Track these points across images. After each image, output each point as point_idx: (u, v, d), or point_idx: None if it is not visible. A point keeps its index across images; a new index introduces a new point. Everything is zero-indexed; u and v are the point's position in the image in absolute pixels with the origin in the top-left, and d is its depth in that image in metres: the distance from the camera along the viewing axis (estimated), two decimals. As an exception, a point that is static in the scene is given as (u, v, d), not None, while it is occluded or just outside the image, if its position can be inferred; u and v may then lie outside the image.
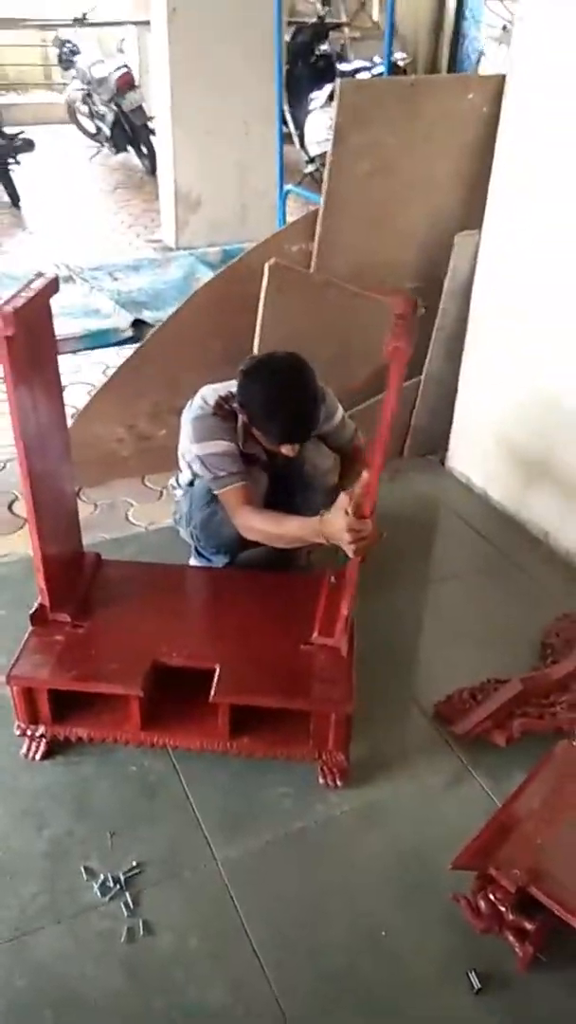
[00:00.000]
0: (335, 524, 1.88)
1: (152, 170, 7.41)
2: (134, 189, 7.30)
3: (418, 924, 1.68)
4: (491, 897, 1.62)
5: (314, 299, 2.63)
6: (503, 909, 1.60)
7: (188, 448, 2.25)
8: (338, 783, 1.94)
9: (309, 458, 2.27)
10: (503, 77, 2.56)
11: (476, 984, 1.56)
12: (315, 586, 2.18)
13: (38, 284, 1.80)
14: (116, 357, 3.90)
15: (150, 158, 7.42)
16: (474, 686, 2.17)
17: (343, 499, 1.90)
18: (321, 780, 1.94)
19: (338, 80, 2.48)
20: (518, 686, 2.08)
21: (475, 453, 3.05)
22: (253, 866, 1.78)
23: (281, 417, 2.07)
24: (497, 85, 2.57)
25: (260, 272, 2.61)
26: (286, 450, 2.13)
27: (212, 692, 1.87)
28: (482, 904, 1.63)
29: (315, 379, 2.11)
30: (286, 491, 2.37)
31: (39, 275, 1.87)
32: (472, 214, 2.75)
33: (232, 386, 2.19)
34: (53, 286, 1.86)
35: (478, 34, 9.42)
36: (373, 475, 1.81)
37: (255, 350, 2.67)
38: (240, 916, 1.68)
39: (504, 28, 8.52)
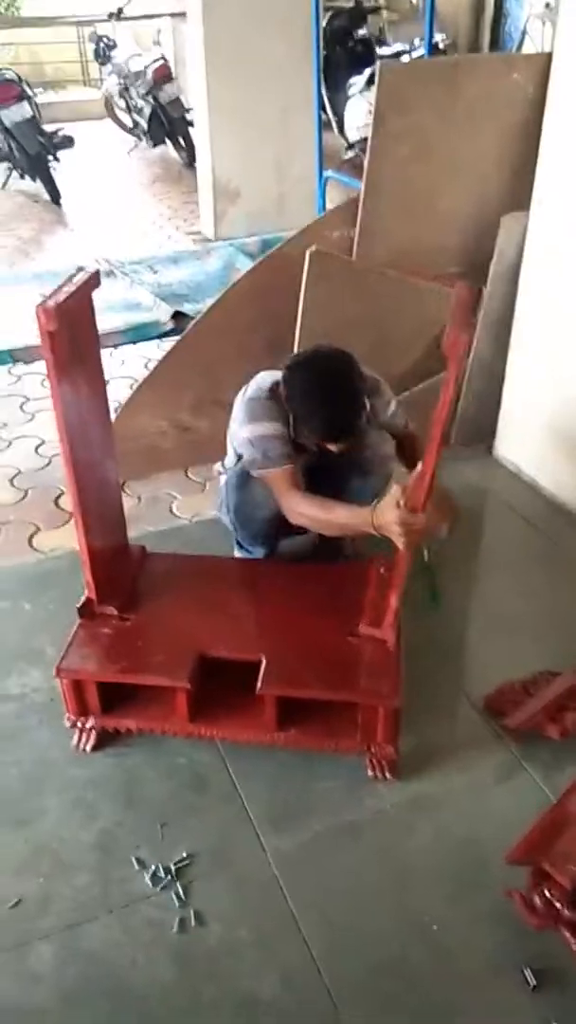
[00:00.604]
0: (387, 516, 1.85)
1: (190, 162, 7.41)
2: (172, 182, 7.31)
3: (469, 918, 1.66)
4: (546, 893, 1.59)
5: (355, 286, 2.60)
6: (559, 905, 1.57)
7: (237, 431, 2.22)
8: (387, 775, 1.92)
9: (371, 444, 2.24)
10: (549, 56, 2.49)
11: (532, 981, 1.53)
12: (362, 576, 2.16)
13: (79, 279, 1.81)
14: (157, 350, 3.92)
15: (188, 150, 7.42)
16: (525, 678, 2.13)
17: (396, 490, 1.87)
18: (370, 772, 1.93)
19: (378, 63, 2.44)
20: (572, 678, 2.04)
21: (524, 441, 3.00)
22: (303, 858, 1.77)
23: (320, 416, 2.05)
24: (543, 64, 2.50)
25: (300, 260, 2.59)
26: (331, 447, 2.11)
27: (259, 684, 1.86)
28: (537, 900, 1.60)
29: (358, 378, 2.07)
30: (341, 476, 2.33)
31: (80, 269, 1.87)
32: (517, 196, 2.69)
33: (263, 385, 2.19)
34: (95, 280, 1.86)
35: (520, 12, 9.22)
36: (427, 469, 1.78)
37: (296, 339, 2.66)
38: (290, 907, 1.68)
39: (547, 5, 8.32)
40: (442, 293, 2.80)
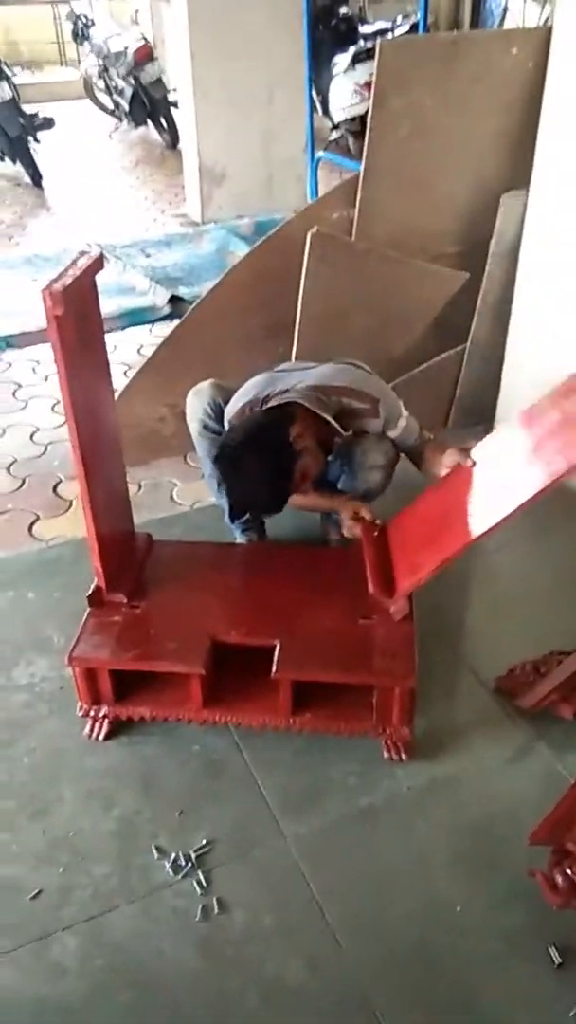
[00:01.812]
0: (348, 509, 2.15)
1: (173, 144, 7.33)
2: (155, 164, 7.22)
3: (491, 899, 1.66)
4: (568, 871, 1.60)
5: (357, 268, 2.58)
6: (581, 883, 1.58)
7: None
8: (403, 757, 1.92)
9: (364, 447, 2.22)
10: (549, 29, 2.47)
11: (557, 959, 1.55)
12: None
13: (83, 262, 1.77)
14: (150, 336, 3.88)
15: (170, 132, 7.34)
16: (536, 658, 2.13)
17: (347, 510, 2.18)
18: (386, 755, 1.93)
19: (378, 40, 2.40)
20: (583, 657, 2.04)
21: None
22: (322, 843, 1.77)
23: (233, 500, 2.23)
24: (542, 38, 2.48)
25: (300, 242, 2.56)
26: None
27: (273, 668, 1.86)
28: (559, 879, 1.60)
29: (268, 463, 1.99)
30: (338, 466, 2.34)
31: (82, 253, 1.84)
32: (518, 174, 2.67)
33: (249, 397, 2.18)
34: (98, 264, 1.83)
35: (501, -12, 9.14)
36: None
37: (297, 322, 2.63)
38: (312, 892, 1.68)
39: (528, -18, 8.27)
40: (442, 273, 2.78)
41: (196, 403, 2.34)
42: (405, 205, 2.66)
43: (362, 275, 2.58)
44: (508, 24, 8.86)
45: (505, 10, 8.93)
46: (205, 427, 2.32)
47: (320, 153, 4.41)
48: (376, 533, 2.12)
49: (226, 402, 2.29)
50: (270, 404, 2.10)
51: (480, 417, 3.16)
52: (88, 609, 2.01)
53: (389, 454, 2.27)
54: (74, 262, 1.76)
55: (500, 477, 2.01)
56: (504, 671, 2.13)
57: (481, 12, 9.46)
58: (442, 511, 2.08)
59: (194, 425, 2.35)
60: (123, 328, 3.37)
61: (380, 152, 2.53)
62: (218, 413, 2.30)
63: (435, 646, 2.17)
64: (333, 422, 2.08)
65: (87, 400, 1.83)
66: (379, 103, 2.45)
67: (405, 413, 2.24)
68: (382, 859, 1.74)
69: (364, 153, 2.53)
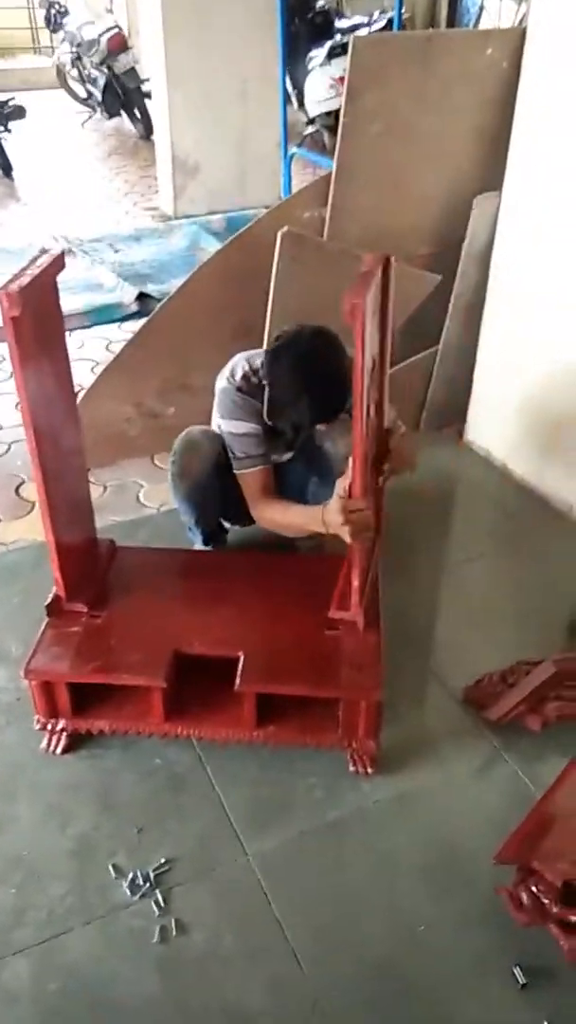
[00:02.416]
0: (331, 509, 1.83)
1: (147, 135, 7.24)
2: (128, 155, 7.12)
3: (457, 917, 1.63)
4: (534, 889, 1.57)
5: (328, 268, 2.53)
6: (547, 902, 1.55)
7: (215, 417, 2.20)
8: (369, 771, 1.88)
9: (333, 438, 2.18)
10: (523, 31, 2.44)
11: (522, 979, 1.52)
12: (335, 567, 2.10)
13: (44, 261, 1.71)
14: (119, 332, 3.81)
15: (144, 122, 7.25)
16: (504, 669, 2.10)
17: (339, 484, 1.85)
18: (351, 768, 1.89)
19: (352, 36, 2.35)
20: (551, 668, 2.01)
21: (495, 426, 2.97)
22: (286, 860, 1.73)
23: (309, 400, 1.99)
24: (517, 39, 2.44)
25: (270, 241, 2.51)
26: (320, 425, 2.08)
27: (237, 681, 1.81)
28: (525, 897, 1.58)
29: (344, 356, 2.01)
30: (305, 471, 2.30)
31: (43, 251, 1.77)
32: (491, 175, 2.64)
33: (263, 353, 2.13)
34: (59, 263, 1.77)
35: (478, -13, 9.12)
36: (356, 453, 1.73)
37: (267, 322, 2.58)
38: (274, 912, 1.64)
39: (504, -20, 8.25)
40: (415, 275, 2.74)
41: (193, 463, 2.22)
42: (377, 204, 2.62)
43: (333, 275, 2.52)
44: (484, 22, 8.85)
45: (481, 8, 8.91)
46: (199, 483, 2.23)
47: (293, 149, 4.34)
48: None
49: (223, 446, 2.20)
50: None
51: (451, 420, 3.14)
52: (46, 619, 1.95)
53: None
54: (34, 260, 1.70)
55: None
56: (472, 681, 2.10)
57: (458, 9, 9.45)
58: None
59: (187, 483, 2.25)
60: (90, 326, 3.30)
61: (352, 150, 2.49)
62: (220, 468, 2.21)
63: (402, 655, 2.14)
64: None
65: (46, 403, 1.77)
66: (352, 100, 2.40)
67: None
68: (347, 876, 1.71)
69: (336, 151, 2.48)
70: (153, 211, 5.63)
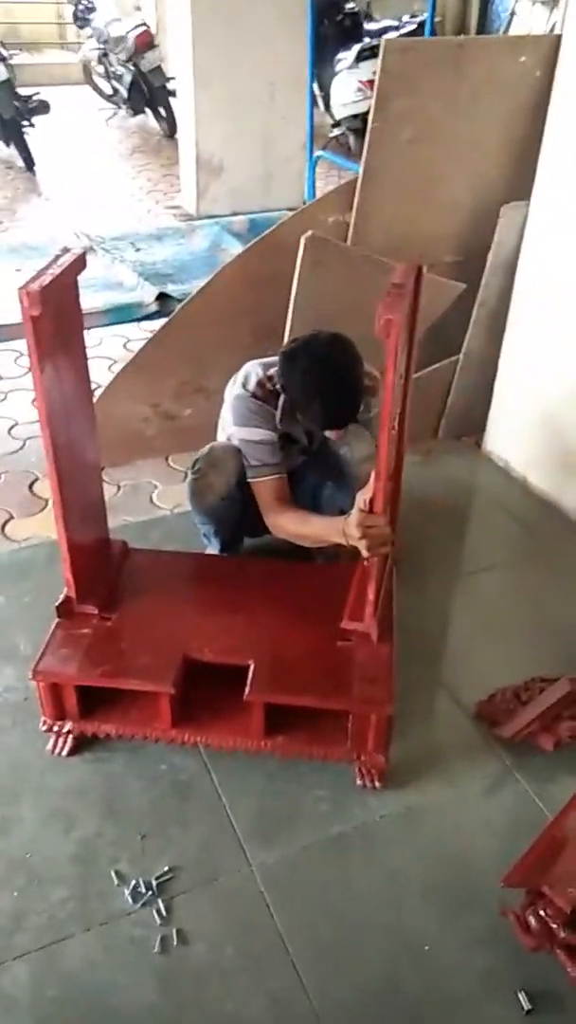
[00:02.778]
0: (352, 523, 1.80)
1: (171, 133, 7.23)
2: (152, 153, 7.12)
3: (462, 938, 1.60)
4: (542, 913, 1.55)
5: (351, 274, 2.50)
6: (555, 926, 1.52)
7: (228, 425, 2.17)
8: (377, 785, 1.86)
9: (349, 442, 2.16)
10: (558, 38, 2.41)
11: (526, 1005, 1.49)
12: (348, 577, 2.08)
13: (65, 260, 1.70)
14: (137, 331, 3.80)
15: (168, 121, 7.24)
16: (518, 685, 2.08)
17: (359, 497, 1.85)
18: (359, 782, 1.86)
19: (383, 39, 2.33)
20: (566, 686, 1.98)
21: (515, 436, 2.93)
22: (290, 873, 1.71)
23: (322, 404, 1.97)
24: (551, 47, 2.41)
25: (293, 245, 2.49)
26: (330, 434, 2.04)
27: (247, 690, 1.79)
28: (532, 921, 1.55)
29: (359, 363, 2.00)
30: (319, 476, 2.28)
31: (65, 250, 1.76)
32: (520, 185, 2.61)
33: (277, 361, 2.10)
34: (80, 262, 1.75)
35: (509, -9, 9.06)
36: (380, 469, 1.71)
37: (287, 328, 2.56)
38: (277, 925, 1.61)
39: (536, -14, 8.20)
40: (439, 283, 2.72)
41: (216, 478, 2.17)
42: (404, 211, 2.59)
43: (356, 281, 2.51)
44: (515, 27, 8.79)
45: (512, 14, 8.87)
46: (223, 498, 2.20)
47: (319, 152, 4.32)
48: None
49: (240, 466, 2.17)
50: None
51: (470, 430, 3.11)
52: (56, 620, 1.94)
53: (371, 443, 2.21)
54: (56, 259, 1.68)
55: None
56: (485, 696, 2.07)
57: (488, 14, 9.41)
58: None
59: (211, 499, 2.21)
60: (108, 324, 3.28)
61: (380, 155, 2.46)
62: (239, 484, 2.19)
63: (414, 666, 2.11)
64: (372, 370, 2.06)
65: (63, 402, 1.76)
66: (381, 105, 2.38)
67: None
68: (351, 891, 1.68)
69: (363, 155, 2.46)
70: (175, 210, 5.62)
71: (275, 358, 2.13)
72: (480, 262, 2.75)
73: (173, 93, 7.04)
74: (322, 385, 1.95)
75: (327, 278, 2.46)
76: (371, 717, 1.79)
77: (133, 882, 1.67)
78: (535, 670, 2.12)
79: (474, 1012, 1.50)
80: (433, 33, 4.27)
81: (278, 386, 2.07)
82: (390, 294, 1.63)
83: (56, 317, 1.64)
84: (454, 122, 2.48)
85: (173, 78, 7.12)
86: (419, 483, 2.21)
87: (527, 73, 2.45)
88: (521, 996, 1.50)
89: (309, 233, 2.39)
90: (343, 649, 1.88)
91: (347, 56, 6.38)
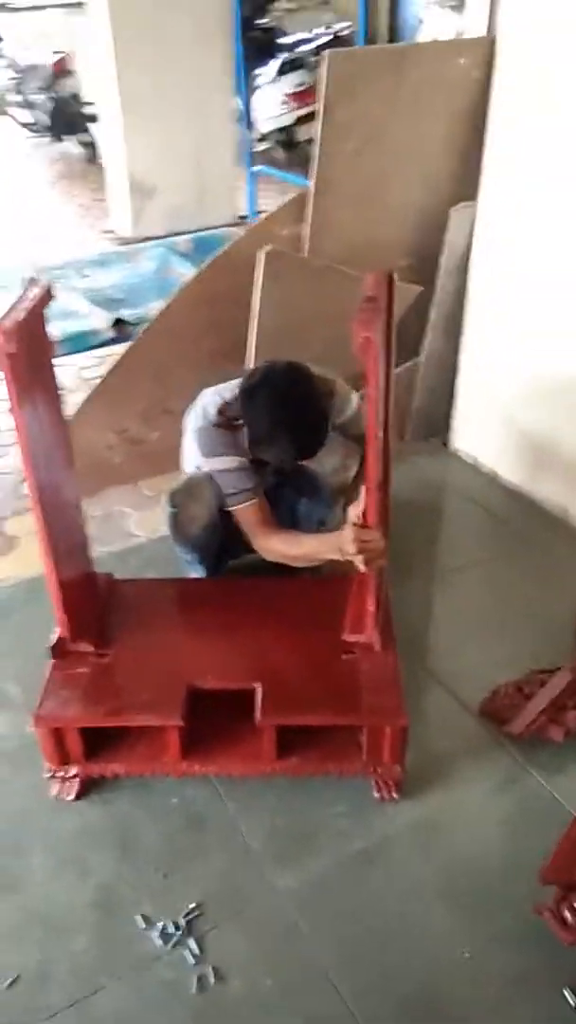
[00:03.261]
0: (346, 538, 1.79)
1: (94, 158, 7.18)
2: (77, 179, 7.05)
3: (499, 940, 1.59)
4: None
5: (311, 285, 2.50)
6: (591, 918, 1.52)
7: (194, 458, 2.12)
8: (394, 796, 1.84)
9: (319, 457, 2.14)
10: (493, 39, 2.44)
11: (574, 1001, 1.48)
12: (342, 590, 2.07)
13: (34, 294, 1.65)
14: (88, 358, 3.72)
15: (91, 146, 7.19)
16: (518, 679, 2.08)
17: (351, 512, 1.86)
18: (376, 794, 1.84)
19: (326, 53, 2.33)
20: (568, 676, 1.99)
21: (481, 433, 2.96)
22: (317, 894, 1.68)
23: (289, 440, 1.95)
24: (487, 49, 2.45)
25: (249, 261, 2.47)
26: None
27: (258, 714, 1.76)
28: (568, 915, 1.55)
29: (317, 392, 1.97)
30: (294, 492, 2.26)
31: (32, 282, 1.72)
32: (468, 186, 2.64)
33: (233, 387, 2.07)
34: (48, 294, 1.71)
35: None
36: (370, 481, 1.72)
37: (251, 341, 2.54)
38: (312, 950, 1.58)
39: (443, -9, 8.38)
40: (397, 288, 2.72)
41: (197, 509, 2.13)
42: (356, 218, 2.60)
43: (317, 292, 2.51)
44: (424, 34, 8.97)
45: (421, 21, 9.04)
46: (205, 527, 2.17)
47: (258, 166, 4.33)
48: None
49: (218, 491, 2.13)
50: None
51: (436, 430, 3.13)
52: (51, 661, 1.88)
53: (347, 445, 2.20)
54: (24, 294, 1.64)
55: None
56: (486, 694, 2.07)
57: (397, 22, 9.57)
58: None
59: (193, 530, 2.17)
60: (67, 354, 3.22)
61: (329, 164, 2.46)
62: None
63: (410, 670, 2.08)
64: (338, 378, 2.07)
65: (43, 438, 1.71)
66: (326, 115, 2.38)
67: (355, 396, 2.18)
68: (382, 906, 1.66)
69: (313, 167, 2.46)
70: (110, 234, 5.55)
71: (230, 384, 2.09)
72: (434, 264, 2.77)
73: (93, 118, 7.00)
74: (286, 421, 1.93)
75: (288, 291, 2.45)
76: (386, 729, 1.77)
77: (161, 924, 1.62)
78: (530, 663, 2.13)
79: (522, 1014, 1.49)
80: (335, 43, 4.32)
81: (239, 413, 2.03)
82: (364, 309, 1.61)
83: (30, 352, 1.60)
84: (399, 127, 2.50)
85: (92, 103, 7.07)
86: (392, 485, 2.21)
87: (466, 75, 2.48)
88: (567, 993, 1.50)
89: (268, 247, 2.38)
90: (348, 662, 1.86)
91: (267, 70, 6.44)
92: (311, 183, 2.48)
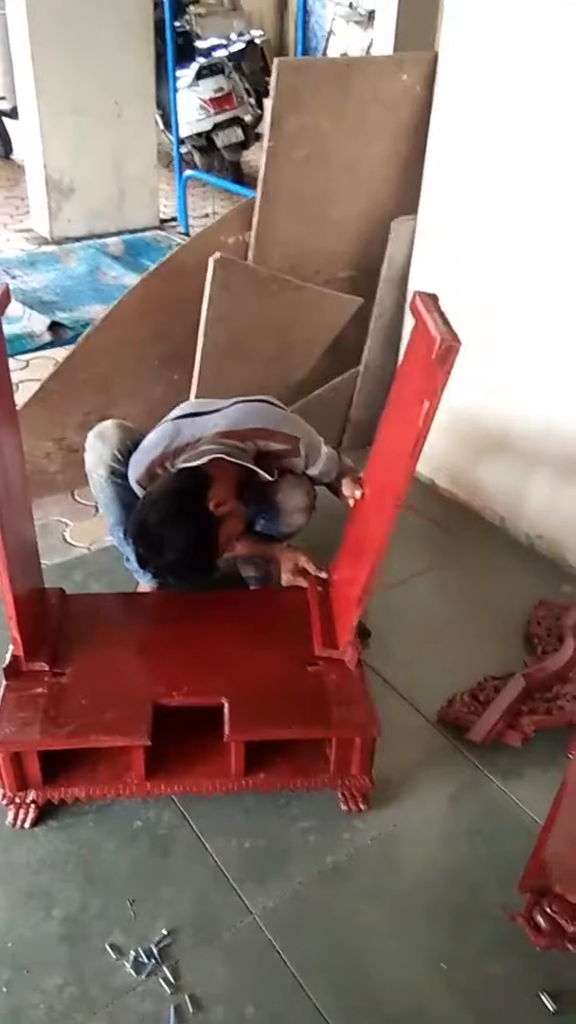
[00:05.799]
0: (287, 561, 2.16)
1: (6, 153, 6.96)
2: (-13, 175, 6.79)
3: (475, 949, 1.61)
4: (548, 911, 1.57)
5: (258, 294, 2.48)
6: (563, 922, 1.55)
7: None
8: (362, 807, 1.84)
9: (283, 490, 2.13)
10: (435, 56, 2.49)
11: (552, 1006, 1.51)
12: (301, 600, 2.06)
13: (-8, 295, 1.58)
14: (16, 361, 3.58)
15: (3, 141, 6.96)
16: (472, 687, 2.12)
17: (299, 560, 2.16)
18: (343, 807, 1.84)
19: (277, 61, 2.31)
20: (521, 682, 2.04)
21: (419, 443, 3.00)
22: (292, 914, 1.65)
23: (170, 578, 2.01)
24: (429, 65, 2.49)
25: (196, 267, 2.44)
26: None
27: (226, 730, 1.72)
28: (540, 920, 1.57)
29: (191, 530, 1.87)
30: (254, 510, 2.24)
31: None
32: (408, 199, 2.68)
33: (156, 454, 2.03)
34: (5, 298, 1.64)
35: (324, 12, 9.35)
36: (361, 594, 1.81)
37: (199, 349, 2.49)
38: (292, 972, 1.55)
39: (351, 5, 8.52)
40: (337, 298, 2.74)
41: (101, 447, 2.13)
42: (300, 229, 2.60)
43: (264, 301, 2.49)
44: (332, 46, 9.10)
45: (330, 32, 9.16)
46: (114, 473, 2.12)
47: (189, 171, 4.27)
48: (320, 587, 2.05)
49: (135, 444, 2.11)
50: (182, 464, 1.94)
51: (373, 438, 3.15)
52: (4, 683, 1.79)
53: (310, 493, 2.20)
54: (-20, 296, 1.56)
55: (379, 479, 1.93)
56: (443, 702, 2.10)
57: (307, 33, 9.66)
58: (354, 544, 2.02)
59: (101, 472, 2.14)
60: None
61: (276, 174, 2.45)
62: (127, 457, 2.12)
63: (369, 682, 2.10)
64: (259, 471, 1.97)
65: (1, 452, 1.63)
66: (275, 123, 2.37)
67: (325, 448, 2.17)
68: (358, 921, 1.65)
69: (261, 175, 2.44)
70: (27, 232, 5.37)
71: (153, 454, 2.03)
72: (374, 276, 2.80)
73: (6, 112, 6.77)
74: (163, 565, 1.93)
75: (236, 298, 2.43)
76: (355, 741, 1.76)
77: (132, 953, 1.56)
78: (483, 669, 2.17)
79: (503, 1021, 1.51)
80: (251, 49, 4.24)
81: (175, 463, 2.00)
82: (433, 320, 1.58)
83: (-11, 357, 1.52)
84: (344, 140, 2.52)
85: (4, 97, 6.84)
86: (330, 495, 2.21)
87: (409, 90, 2.52)
88: (544, 997, 1.52)
89: (217, 255, 2.35)
90: (314, 674, 1.85)
91: (186, 75, 6.35)
92: (258, 191, 2.46)
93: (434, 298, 1.65)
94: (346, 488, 2.11)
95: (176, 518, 1.84)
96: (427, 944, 1.61)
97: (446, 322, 1.55)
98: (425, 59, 2.50)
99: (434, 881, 1.73)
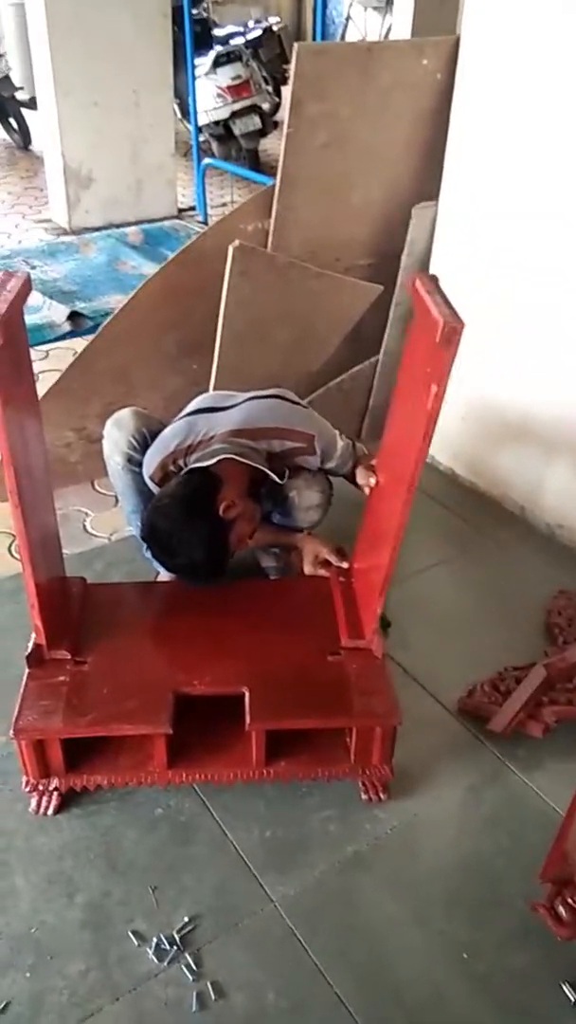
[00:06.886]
0: (305, 555, 2.16)
1: (25, 144, 6.97)
2: (8, 166, 6.81)
3: (496, 939, 1.60)
4: (570, 901, 1.57)
5: (277, 282, 2.47)
6: (586, 912, 1.55)
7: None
8: (382, 797, 1.83)
9: (297, 487, 2.14)
10: (456, 40, 2.46)
11: (573, 997, 1.50)
12: (323, 589, 2.06)
13: (13, 285, 1.57)
14: (35, 352, 3.60)
15: (22, 132, 6.97)
16: (494, 676, 2.11)
17: (321, 551, 2.16)
18: (364, 796, 1.83)
19: (297, 46, 2.30)
20: (543, 672, 2.03)
21: (439, 431, 2.94)
22: (313, 902, 1.65)
23: (185, 578, 2.00)
24: (451, 49, 2.46)
25: (216, 256, 2.43)
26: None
27: (247, 719, 1.72)
28: (562, 910, 1.57)
29: (202, 531, 1.88)
30: (269, 504, 2.24)
31: (9, 274, 1.63)
32: (429, 185, 2.65)
33: (168, 450, 2.04)
34: (27, 287, 1.63)
35: (342, -2, 9.28)
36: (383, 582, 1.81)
37: (218, 338, 2.49)
38: (313, 960, 1.56)
39: (369, -9, 8.44)
40: (357, 285, 2.72)
41: (118, 435, 2.14)
42: (320, 215, 2.58)
43: (283, 289, 2.48)
44: (350, 32, 9.04)
45: (348, 19, 9.09)
46: (130, 460, 2.13)
47: (207, 160, 4.25)
48: (342, 577, 2.04)
49: (151, 432, 2.12)
50: (193, 463, 1.95)
51: (392, 428, 3.14)
52: (27, 671, 1.80)
53: (325, 490, 2.20)
54: (3, 286, 1.55)
55: (393, 466, 1.92)
56: (463, 692, 2.09)
57: (324, 19, 9.58)
58: (372, 532, 2.01)
59: (117, 459, 2.15)
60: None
61: (296, 160, 2.44)
62: (143, 445, 2.12)
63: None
64: (268, 472, 1.97)
65: (23, 438, 1.63)
66: (295, 110, 2.35)
67: (340, 441, 2.16)
68: (379, 911, 1.65)
69: (281, 162, 2.43)
70: (46, 223, 5.38)
71: (166, 452, 2.03)
72: (394, 263, 2.77)
73: (24, 103, 6.78)
74: (178, 567, 1.97)
75: (255, 286, 2.42)
76: (375, 730, 1.76)
77: (155, 940, 1.57)
78: (503, 659, 2.16)
79: (523, 1011, 1.50)
80: (268, 35, 4.28)
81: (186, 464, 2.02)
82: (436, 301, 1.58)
83: (12, 348, 1.52)
84: (365, 126, 2.49)
85: (22, 88, 6.85)
86: (349, 485, 2.21)
87: (430, 75, 2.49)
88: (566, 988, 1.52)
89: (236, 243, 2.34)
90: (335, 663, 1.85)
91: (203, 63, 6.33)
92: (278, 178, 2.45)
93: (434, 279, 1.63)
94: (360, 477, 2.11)
95: (185, 523, 1.86)
96: (448, 934, 1.61)
97: (448, 303, 1.53)
98: (446, 44, 2.47)
99: (455, 871, 1.73)
